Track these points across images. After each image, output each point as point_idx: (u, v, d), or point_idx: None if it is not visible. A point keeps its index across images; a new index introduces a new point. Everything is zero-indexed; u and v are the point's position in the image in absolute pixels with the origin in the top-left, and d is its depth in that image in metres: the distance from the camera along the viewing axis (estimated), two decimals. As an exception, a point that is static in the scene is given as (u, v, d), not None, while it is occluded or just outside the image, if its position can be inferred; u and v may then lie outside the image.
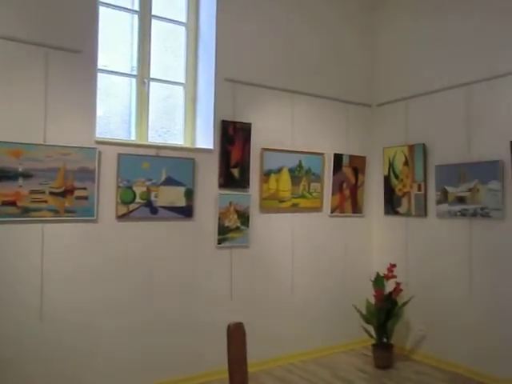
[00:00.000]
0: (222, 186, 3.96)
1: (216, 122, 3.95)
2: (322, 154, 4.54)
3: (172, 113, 4.14)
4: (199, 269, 3.87)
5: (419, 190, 4.38)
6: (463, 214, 3.98)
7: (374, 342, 4.31)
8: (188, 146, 4.05)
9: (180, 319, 3.77)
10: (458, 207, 4.02)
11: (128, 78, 3.87)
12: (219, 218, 3.92)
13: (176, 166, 3.74)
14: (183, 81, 4.13)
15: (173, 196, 3.73)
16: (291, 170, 4.32)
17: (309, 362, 4.32)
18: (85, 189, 3.34)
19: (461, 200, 3.99)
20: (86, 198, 3.34)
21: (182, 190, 3.76)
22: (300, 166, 4.38)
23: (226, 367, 2.00)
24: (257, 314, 4.12)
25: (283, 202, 4.30)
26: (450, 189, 4.09)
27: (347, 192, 4.70)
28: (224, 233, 3.95)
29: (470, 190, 3.92)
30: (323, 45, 4.65)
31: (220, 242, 3.93)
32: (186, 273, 3.81)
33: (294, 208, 4.38)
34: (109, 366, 3.44)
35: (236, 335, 1.76)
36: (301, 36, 4.49)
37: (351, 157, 4.73)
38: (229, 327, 1.78)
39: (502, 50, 3.81)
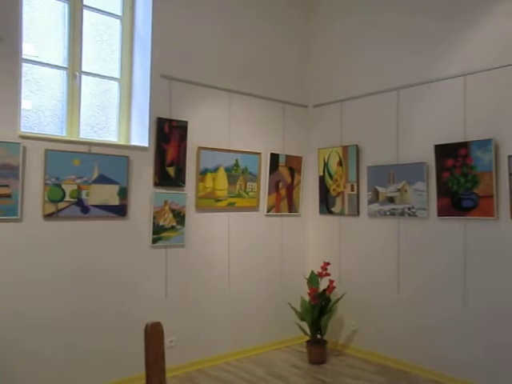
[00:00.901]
0: (157, 184, 3.88)
1: (151, 120, 3.86)
2: (259, 153, 4.57)
3: (108, 109, 3.99)
4: (133, 268, 3.77)
5: (352, 190, 4.53)
6: (392, 213, 4.17)
7: (308, 338, 4.42)
8: (122, 143, 3.92)
9: (113, 318, 3.65)
10: (387, 207, 4.21)
11: (60, 71, 3.69)
12: (154, 217, 3.83)
13: (109, 163, 3.61)
14: (118, 76, 4.00)
15: (106, 194, 3.60)
16: (228, 169, 4.32)
17: (244, 361, 4.34)
18: (7, 186, 3.13)
19: (390, 200, 4.18)
20: (8, 196, 3.14)
21: (115, 188, 3.64)
22: (237, 165, 4.38)
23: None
24: (192, 312, 4.10)
25: (219, 201, 4.28)
26: (380, 189, 4.26)
27: (283, 191, 4.77)
28: (159, 232, 3.87)
29: (398, 190, 4.11)
30: (260, 45, 4.68)
31: (155, 241, 3.85)
32: (119, 273, 3.69)
33: (231, 207, 4.38)
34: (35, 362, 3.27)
35: (153, 335, 1.71)
36: (238, 35, 4.49)
37: (288, 157, 4.80)
38: (146, 327, 1.72)
39: (426, 58, 4.02)
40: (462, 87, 3.76)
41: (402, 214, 4.09)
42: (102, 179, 3.57)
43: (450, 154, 3.73)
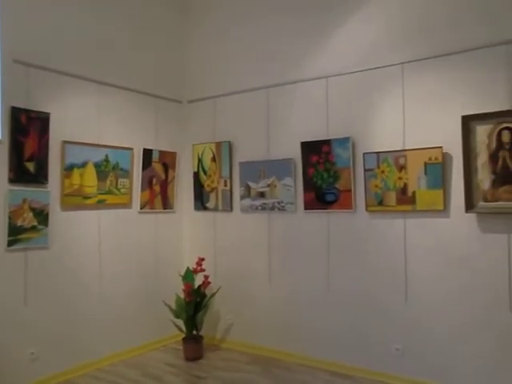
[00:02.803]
0: (12, 181, 3.51)
1: (4, 109, 3.48)
2: (131, 148, 4.40)
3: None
4: (-16, 276, 3.38)
5: (225, 185, 4.60)
6: (263, 207, 4.32)
7: (184, 335, 4.38)
8: (-31, 134, 3.49)
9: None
10: (259, 202, 4.35)
11: None
12: (10, 217, 3.47)
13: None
14: (-37, 58, 3.55)
15: None
16: (97, 165, 4.09)
17: (119, 365, 4.16)
18: None
19: (261, 195, 4.33)
20: None
21: (-40, 185, 3.22)
22: (107, 160, 4.17)
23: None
24: (59, 319, 3.80)
25: (88, 198, 4.03)
26: (252, 184, 4.39)
27: (157, 188, 4.66)
28: (16, 233, 3.51)
29: (268, 185, 4.28)
30: (133, 37, 4.51)
31: (11, 243, 3.49)
32: (-33, 282, 3.28)
33: (101, 204, 4.15)
34: None
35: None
36: (108, 23, 4.27)
37: (161, 152, 4.70)
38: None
39: (293, 58, 4.24)
40: (325, 88, 4.03)
41: (273, 208, 4.26)
42: None
43: (315, 151, 3.98)
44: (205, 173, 4.77)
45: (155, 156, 4.63)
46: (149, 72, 4.68)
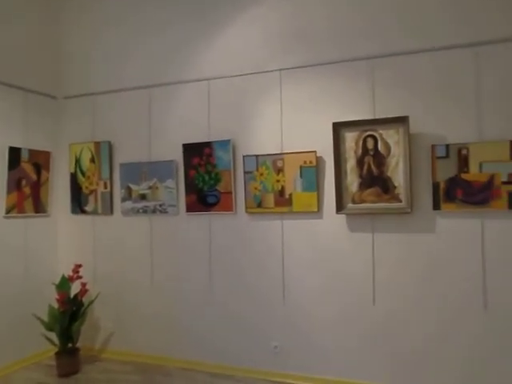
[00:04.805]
0: None
1: None
2: (-5, 147, 3.99)
3: None
4: None
5: (105, 187, 4.37)
6: (145, 210, 4.19)
7: (57, 349, 4.07)
8: None
9: None
10: (140, 204, 4.20)
11: None
12: None
13: None
14: None
15: None
16: (-49, 165, 3.63)
17: (-21, 387, 3.75)
18: None
19: (143, 197, 4.18)
20: None
21: None
22: (-37, 159, 3.73)
23: None
24: None
25: None
26: (133, 186, 4.23)
27: (27, 190, 4.27)
28: None
29: (150, 187, 4.15)
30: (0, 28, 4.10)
31: None
32: None
33: (-43, 209, 3.70)
34: None
35: None
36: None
37: (32, 151, 4.31)
38: None
39: (178, 58, 4.16)
40: (207, 91, 4.02)
41: (154, 211, 4.15)
42: None
43: (196, 153, 3.95)
44: (83, 174, 4.48)
45: (24, 155, 4.23)
46: (16, 62, 4.26)
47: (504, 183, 3.09)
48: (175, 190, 4.06)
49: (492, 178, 3.11)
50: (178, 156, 4.06)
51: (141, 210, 4.20)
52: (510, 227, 3.13)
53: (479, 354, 3.18)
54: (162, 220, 4.17)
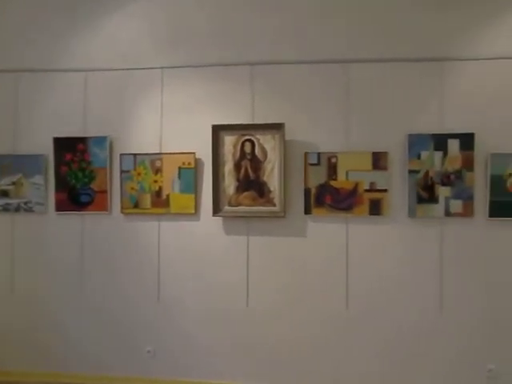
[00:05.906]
0: None
1: None
2: None
3: None
4: None
5: (-40, 181, 3.89)
6: (6, 208, 3.80)
7: None
8: None
9: None
10: (1, 202, 3.80)
11: None
12: None
13: None
14: None
15: None
16: None
17: None
18: None
19: (4, 194, 3.79)
20: None
21: None
22: None
23: None
24: None
25: None
26: (-7, 181, 3.82)
27: None
28: None
29: (14, 183, 3.78)
30: None
31: None
32: None
33: None
34: None
35: None
36: None
37: None
38: None
39: (50, 44, 3.85)
40: (83, 83, 3.78)
41: (18, 209, 3.78)
42: None
43: (69, 148, 3.69)
44: None
45: None
46: None
47: (366, 191, 3.36)
48: (44, 186, 3.74)
49: (356, 185, 3.36)
50: (48, 150, 3.75)
51: (1, 208, 3.80)
52: (370, 231, 3.41)
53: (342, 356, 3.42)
54: (27, 219, 3.81)
